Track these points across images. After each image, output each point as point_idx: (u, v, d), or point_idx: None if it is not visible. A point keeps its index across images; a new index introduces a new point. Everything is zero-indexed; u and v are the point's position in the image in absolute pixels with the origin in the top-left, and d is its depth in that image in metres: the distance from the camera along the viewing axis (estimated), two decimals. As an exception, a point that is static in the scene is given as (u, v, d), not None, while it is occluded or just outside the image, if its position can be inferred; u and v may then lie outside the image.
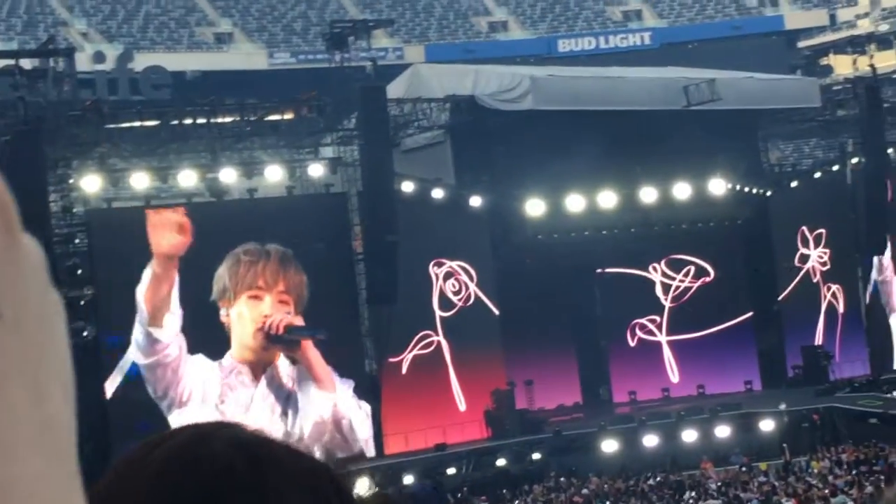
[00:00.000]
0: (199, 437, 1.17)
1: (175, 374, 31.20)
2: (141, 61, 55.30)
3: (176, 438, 1.17)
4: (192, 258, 31.48)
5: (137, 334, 30.87)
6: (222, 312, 31.96)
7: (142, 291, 30.79)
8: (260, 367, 32.31)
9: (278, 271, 32.79)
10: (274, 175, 34.22)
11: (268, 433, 1.21)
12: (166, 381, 31.13)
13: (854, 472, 30.58)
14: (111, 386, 30.88)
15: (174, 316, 31.02)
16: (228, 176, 33.68)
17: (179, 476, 1.12)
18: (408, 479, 31.32)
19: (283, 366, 32.54)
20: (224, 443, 1.16)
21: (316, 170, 34.93)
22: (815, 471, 31.67)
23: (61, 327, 0.92)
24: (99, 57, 53.62)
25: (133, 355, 30.95)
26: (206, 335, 31.60)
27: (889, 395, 38.63)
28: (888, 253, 45.14)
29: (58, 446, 0.90)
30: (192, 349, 31.30)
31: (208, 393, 31.43)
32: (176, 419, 30.40)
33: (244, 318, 32.11)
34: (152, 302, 30.76)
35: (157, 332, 30.84)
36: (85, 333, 30.69)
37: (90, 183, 32.22)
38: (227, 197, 34.00)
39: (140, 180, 32.82)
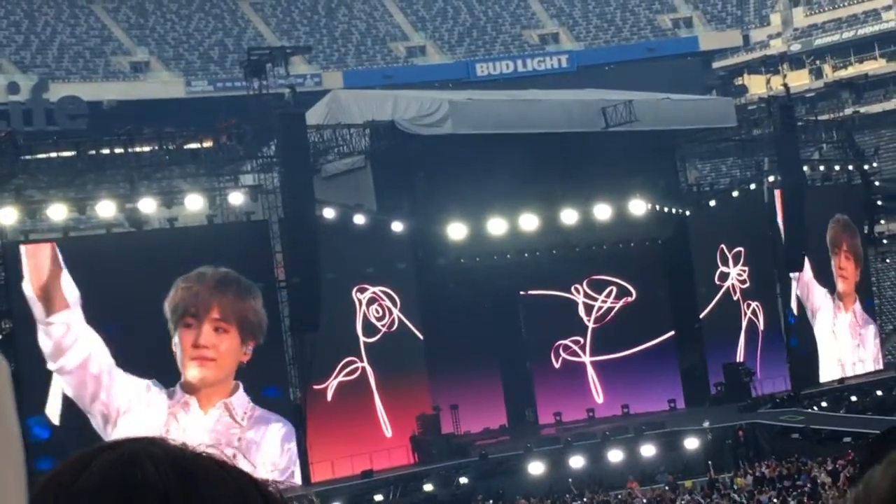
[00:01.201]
0: (130, 458, 1.14)
1: (97, 382, 30.93)
2: (56, 91, 54.81)
3: (105, 457, 1.14)
4: (113, 288, 31.19)
5: (42, 338, 30.62)
6: (173, 341, 32.05)
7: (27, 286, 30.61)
8: (208, 399, 32.21)
9: (211, 297, 32.56)
10: (194, 204, 33.95)
11: (195, 447, 1.19)
12: (89, 388, 30.89)
13: (777, 487, 30.85)
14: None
15: (70, 311, 30.79)
16: (148, 206, 33.38)
17: None
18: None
19: (240, 402, 32.52)
20: (155, 463, 1.13)
21: (236, 198, 34.72)
22: (739, 487, 31.91)
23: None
24: (13, 87, 53.03)
25: (53, 371, 30.74)
26: (154, 362, 31.68)
27: (810, 410, 39.09)
28: (807, 268, 45.81)
29: (16, 460, 0.97)
30: (144, 375, 31.41)
31: (153, 419, 31.19)
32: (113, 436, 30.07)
33: (178, 347, 32.06)
34: (43, 290, 30.57)
35: (54, 321, 30.61)
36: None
37: (6, 215, 31.75)
38: (147, 227, 33.70)
39: (57, 211, 32.42)
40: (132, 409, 31.27)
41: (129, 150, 34.22)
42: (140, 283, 31.72)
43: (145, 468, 1.13)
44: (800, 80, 67.78)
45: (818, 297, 46.62)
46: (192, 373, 32.30)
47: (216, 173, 36.08)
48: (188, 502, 1.12)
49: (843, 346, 47.43)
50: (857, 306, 48.87)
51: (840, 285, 47.61)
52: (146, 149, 34.80)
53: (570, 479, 34.05)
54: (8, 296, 31.09)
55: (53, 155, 34.27)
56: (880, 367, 49.05)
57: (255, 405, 32.79)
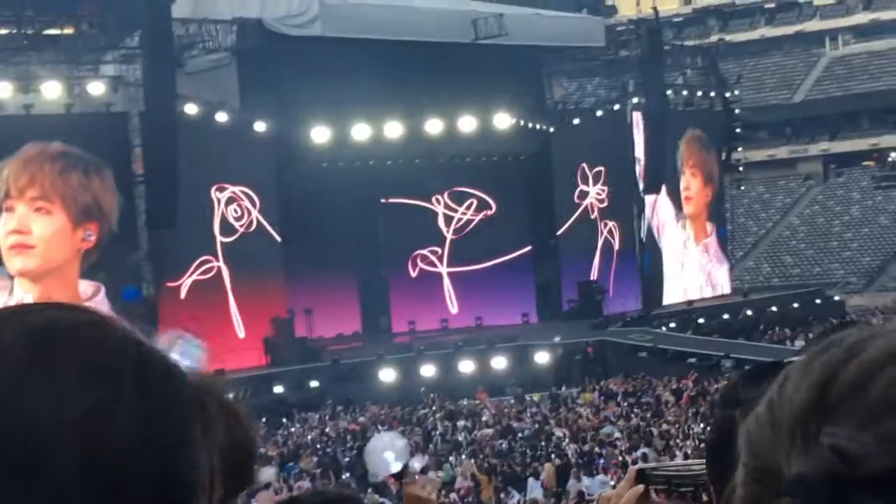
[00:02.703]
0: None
1: None
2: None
3: (30, 318, 1.08)
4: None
5: None
6: None
7: None
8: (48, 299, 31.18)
9: (26, 171, 30.66)
10: (52, 91, 33.06)
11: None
12: None
13: (623, 403, 31.53)
14: None
15: None
16: (3, 90, 32.43)
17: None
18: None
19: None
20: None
21: (96, 87, 33.90)
22: (585, 402, 32.54)
23: None
24: None
25: None
26: None
27: (659, 330, 39.95)
28: (663, 192, 46.53)
29: None
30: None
31: None
32: None
33: None
34: None
35: None
36: None
37: None
38: (1, 112, 32.73)
39: None
40: None
41: (-15, 31, 33.18)
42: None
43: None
44: (669, 4, 68.31)
45: (665, 218, 47.38)
46: (11, 264, 30.56)
47: (76, 61, 35.15)
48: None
49: (690, 278, 48.17)
50: (712, 240, 49.69)
51: (685, 207, 48.32)
52: (3, 31, 33.75)
53: (422, 389, 34.34)
54: None
55: None
56: (728, 291, 50.32)
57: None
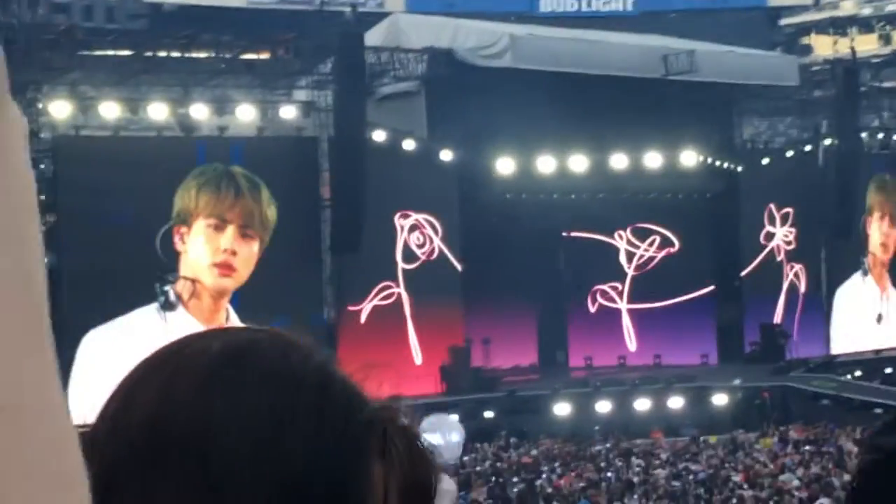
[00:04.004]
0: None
1: None
2: (118, -11, 54.69)
3: (226, 335, 1.14)
4: (165, 190, 31.35)
5: None
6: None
7: None
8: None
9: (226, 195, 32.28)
10: (246, 114, 33.91)
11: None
12: None
13: (802, 450, 30.73)
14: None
15: None
16: (200, 112, 33.36)
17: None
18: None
19: None
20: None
21: (288, 112, 34.65)
22: (763, 448, 31.81)
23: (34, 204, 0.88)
24: (76, -18, 52.95)
25: None
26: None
27: (843, 378, 38.86)
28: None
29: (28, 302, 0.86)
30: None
31: None
32: None
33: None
34: None
35: None
36: (45, 260, 30.41)
37: (59, 109, 31.82)
38: (196, 133, 33.68)
39: (110, 110, 32.45)
40: None
41: (186, 55, 34.21)
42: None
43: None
44: (867, 44, 66.74)
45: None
46: (216, 282, 31.82)
47: (270, 86, 36.02)
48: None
49: (861, 324, 46.03)
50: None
51: (882, 254, 46.57)
52: (203, 55, 34.77)
53: (596, 427, 34.04)
54: (55, 189, 31.20)
55: (110, 53, 34.27)
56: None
57: None
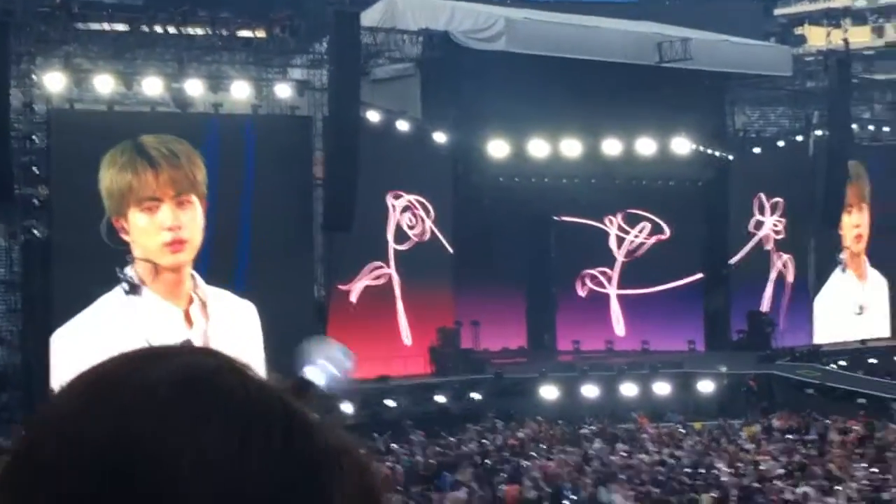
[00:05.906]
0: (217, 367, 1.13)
1: None
2: (115, -37, 54.42)
3: (173, 361, 1.12)
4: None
5: None
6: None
7: None
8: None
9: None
10: (240, 91, 33.93)
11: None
12: None
13: (786, 438, 30.93)
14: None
15: None
16: (194, 88, 33.36)
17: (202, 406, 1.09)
18: (346, 408, 31.38)
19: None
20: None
21: (283, 90, 34.68)
22: (746, 435, 32.00)
23: None
24: (72, -45, 52.71)
25: None
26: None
27: (828, 367, 39.08)
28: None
29: None
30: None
31: None
32: None
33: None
34: None
35: None
36: (37, 232, 30.51)
37: (53, 81, 31.79)
38: (191, 109, 33.70)
39: (104, 83, 32.44)
40: None
41: (182, 30, 34.15)
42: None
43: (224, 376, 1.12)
44: (861, 36, 66.84)
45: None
46: (165, 259, 31.32)
47: (265, 64, 36.02)
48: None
49: (838, 316, 46.40)
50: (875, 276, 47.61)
51: (855, 245, 46.68)
52: (199, 31, 34.72)
53: (588, 419, 34.20)
54: (48, 162, 31.23)
55: (106, 27, 34.21)
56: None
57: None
